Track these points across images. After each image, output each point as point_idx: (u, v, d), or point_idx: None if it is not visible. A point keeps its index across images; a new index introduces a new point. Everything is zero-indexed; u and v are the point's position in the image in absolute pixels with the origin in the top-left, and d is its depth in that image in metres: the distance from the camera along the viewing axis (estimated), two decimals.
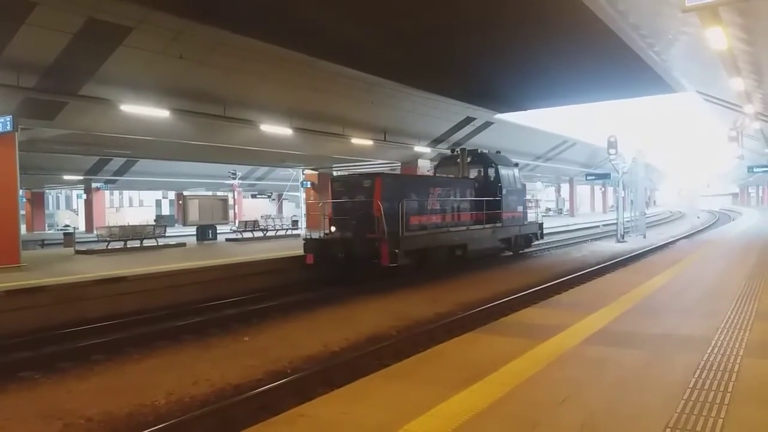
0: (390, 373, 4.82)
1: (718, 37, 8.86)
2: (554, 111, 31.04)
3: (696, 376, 4.29)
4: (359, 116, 21.10)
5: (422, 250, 14.79)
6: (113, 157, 29.47)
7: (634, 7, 12.83)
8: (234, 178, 37.14)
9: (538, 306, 8.00)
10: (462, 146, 19.74)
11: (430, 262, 15.30)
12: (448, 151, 22.59)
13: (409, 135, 24.30)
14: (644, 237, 27.94)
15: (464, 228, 16.79)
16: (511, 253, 20.04)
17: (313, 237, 14.79)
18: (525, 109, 26.43)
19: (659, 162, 74.30)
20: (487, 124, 26.80)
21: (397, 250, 13.38)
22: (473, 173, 18.66)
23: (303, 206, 33.23)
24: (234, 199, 38.83)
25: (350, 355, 7.73)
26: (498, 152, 19.73)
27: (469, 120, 25.59)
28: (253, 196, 47.40)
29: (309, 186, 31.29)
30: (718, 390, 3.97)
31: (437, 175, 18.46)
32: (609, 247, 23.80)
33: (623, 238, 26.20)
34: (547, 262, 19.17)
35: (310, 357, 7.97)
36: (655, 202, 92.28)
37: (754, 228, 25.04)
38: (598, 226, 34.55)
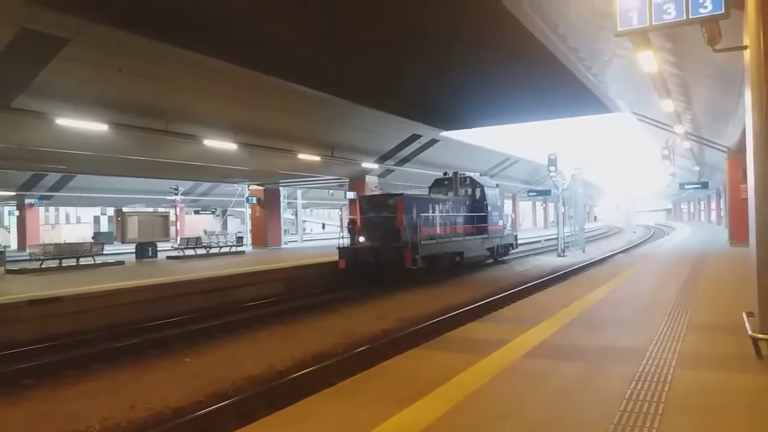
0: (335, 391, 4.78)
1: (649, 61, 9.30)
2: (497, 129, 31.84)
3: (632, 387, 4.44)
4: (306, 132, 21.04)
5: (433, 256, 17.77)
6: (48, 172, 28.29)
7: (573, 31, 13.35)
8: (176, 194, 36.28)
9: (482, 320, 8.12)
10: (454, 171, 22.58)
11: (438, 266, 18.26)
12: (395, 167, 24.92)
13: (357, 151, 24.39)
14: (583, 251, 28.85)
15: (461, 238, 20.10)
16: (492, 261, 23.24)
17: (346, 246, 17.63)
18: (469, 127, 26.99)
19: (598, 179, 77.02)
20: (432, 142, 27.21)
21: (417, 256, 16.37)
22: (462, 193, 21.98)
23: (248, 222, 32.72)
24: (176, 216, 37.89)
25: (295, 374, 7.62)
26: (482, 175, 23.52)
27: (415, 137, 25.92)
28: (197, 212, 46.35)
29: (255, 202, 30.87)
30: (652, 400, 4.12)
31: (433, 195, 21.28)
32: (550, 261, 24.44)
33: (564, 252, 26.98)
34: (492, 276, 19.50)
35: (254, 377, 7.82)
36: (595, 217, 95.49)
37: (686, 242, 26.25)
38: (539, 241, 35.45)
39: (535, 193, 34.73)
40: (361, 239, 17.51)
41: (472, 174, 23.08)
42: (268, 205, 30.88)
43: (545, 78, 17.61)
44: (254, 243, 30.89)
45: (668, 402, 4.09)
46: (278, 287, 15.97)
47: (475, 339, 6.51)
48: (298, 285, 16.36)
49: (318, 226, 72.21)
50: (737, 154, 20.31)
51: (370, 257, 16.62)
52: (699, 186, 33.44)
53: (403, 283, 17.06)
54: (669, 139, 25.46)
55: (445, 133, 26.86)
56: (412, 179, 32.39)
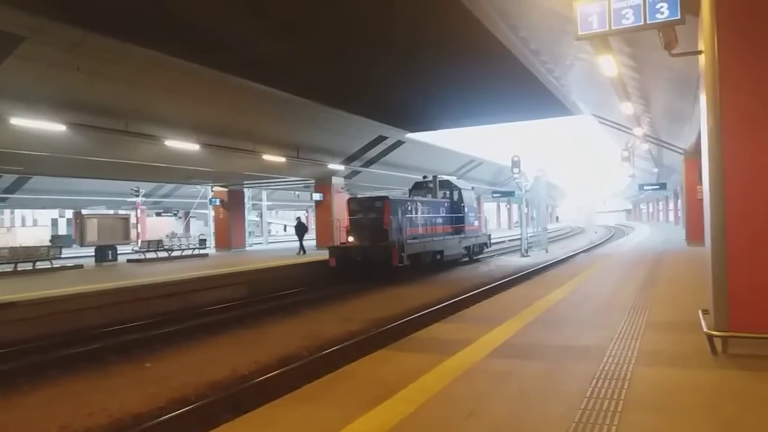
0: (299, 395, 4.73)
1: (609, 65, 9.49)
2: (463, 131, 32.10)
3: (592, 385, 4.51)
4: (271, 132, 20.82)
5: (417, 254, 19.02)
6: (3, 173, 27.34)
7: (535, 34, 13.54)
8: (137, 196, 35.52)
9: (447, 321, 8.15)
10: (433, 174, 23.91)
11: (421, 264, 19.58)
12: (362, 169, 25.59)
13: (323, 152, 24.24)
14: (546, 251, 29.32)
15: (441, 238, 21.51)
16: (468, 259, 24.52)
17: (337, 246, 19.04)
18: (435, 129, 27.14)
19: (560, 180, 78.40)
20: (398, 143, 27.25)
21: (403, 254, 17.65)
22: (441, 195, 23.36)
23: (212, 224, 32.23)
24: (137, 218, 37.09)
25: (259, 378, 7.52)
26: (458, 178, 25.59)
27: (381, 138, 25.90)
28: (158, 214, 45.45)
29: (218, 203, 30.42)
30: (612, 398, 4.19)
31: (416, 197, 22.30)
32: (514, 261, 24.77)
33: (527, 252, 27.36)
34: (457, 276, 19.65)
35: (216, 382, 7.69)
36: (557, 218, 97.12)
37: (645, 242, 26.91)
38: (504, 242, 35.88)
39: (499, 194, 35.05)
40: (350, 239, 18.72)
41: (450, 177, 24.76)
42: (232, 206, 30.48)
43: (508, 81, 17.84)
44: (218, 245, 30.45)
45: (627, 399, 4.16)
46: (241, 291, 15.77)
47: (441, 339, 6.53)
48: (262, 288, 16.18)
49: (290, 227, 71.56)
50: (693, 155, 20.92)
51: (359, 256, 17.76)
52: (657, 187, 34.24)
53: (370, 284, 17.24)
54: (629, 141, 26.09)
55: (411, 135, 26.94)
56: (379, 181, 32.39)
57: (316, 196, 27.36)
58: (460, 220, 23.44)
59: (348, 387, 4.83)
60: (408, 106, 22.24)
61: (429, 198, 22.62)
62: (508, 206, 71.55)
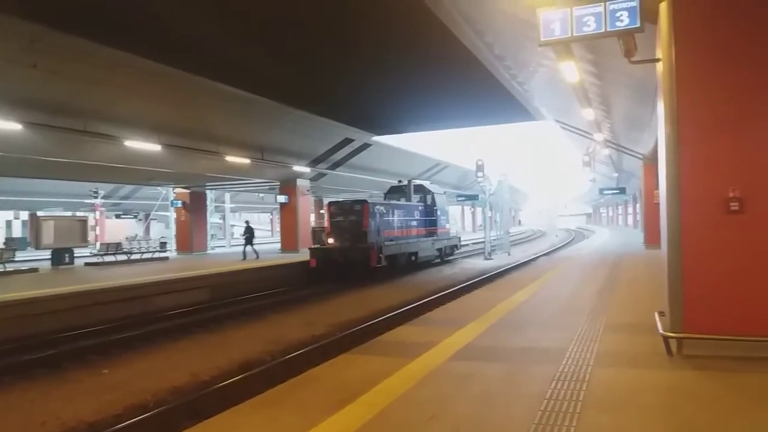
0: (261, 400, 4.67)
1: (571, 71, 9.66)
2: (429, 135, 32.30)
3: (552, 387, 4.57)
4: (235, 133, 20.56)
5: (394, 255, 20.03)
6: None
7: (500, 40, 13.72)
8: (95, 197, 34.62)
9: (412, 324, 8.16)
10: (408, 178, 25.22)
11: (397, 264, 20.56)
12: (328, 171, 25.96)
13: (288, 154, 24.05)
14: (509, 254, 29.66)
15: (416, 240, 22.60)
16: (440, 260, 25.41)
17: (318, 247, 20.05)
18: (400, 132, 27.24)
19: (523, 184, 79.61)
20: (365, 146, 27.24)
21: (381, 255, 18.51)
22: (415, 199, 24.41)
23: (173, 227, 31.62)
24: (95, 220, 36.15)
25: (220, 383, 7.39)
26: (431, 183, 26.66)
27: (348, 141, 25.85)
28: (118, 216, 44.37)
29: (180, 205, 29.83)
30: (571, 399, 4.25)
31: (393, 201, 23.25)
32: (477, 264, 25.00)
33: (490, 255, 27.65)
34: (421, 279, 19.72)
35: (176, 388, 7.53)
36: (519, 221, 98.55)
37: (605, 245, 27.50)
38: (467, 244, 36.18)
39: (463, 198, 35.38)
40: (331, 241, 19.53)
41: (423, 182, 26.14)
42: (194, 208, 29.94)
43: (473, 85, 18.04)
44: (179, 248, 29.88)
45: (586, 400, 4.23)
46: (203, 295, 15.52)
47: (405, 342, 6.53)
48: (224, 292, 15.95)
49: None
50: (652, 161, 21.48)
51: (339, 257, 18.57)
52: (617, 191, 35.10)
53: (335, 288, 17.30)
54: (590, 146, 26.61)
55: (377, 138, 26.97)
56: (346, 183, 32.31)
57: (281, 199, 27.10)
58: (433, 223, 24.53)
59: (311, 391, 4.79)
60: (374, 109, 22.29)
61: (404, 202, 23.58)
62: (472, 210, 72.23)
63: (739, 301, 5.12)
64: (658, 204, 5.76)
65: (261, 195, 39.29)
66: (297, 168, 24.74)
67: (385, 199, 24.31)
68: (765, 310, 5.05)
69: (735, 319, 5.12)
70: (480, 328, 7.12)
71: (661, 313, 5.80)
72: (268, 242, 42.49)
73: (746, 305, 5.09)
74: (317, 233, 33.90)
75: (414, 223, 23.05)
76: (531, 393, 4.45)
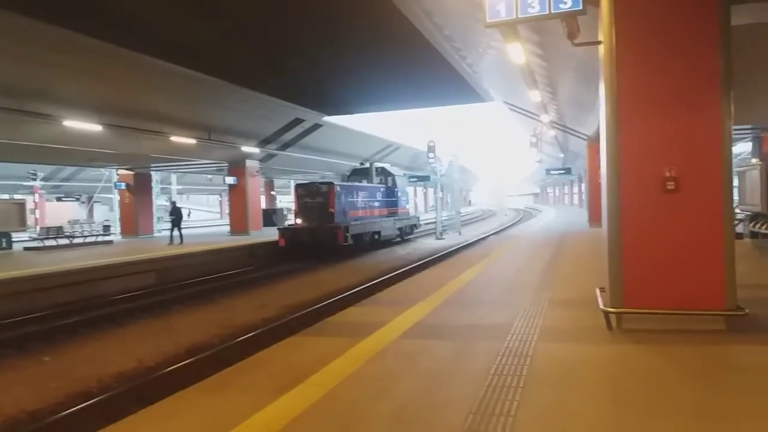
0: (207, 385, 4.60)
1: (517, 53, 9.77)
2: (381, 116, 32.25)
3: (497, 362, 4.68)
4: (181, 113, 19.96)
5: (359, 234, 21.29)
6: None
7: (449, 21, 13.73)
8: (34, 180, 33.15)
9: (362, 304, 8.19)
10: (369, 161, 26.65)
11: (362, 242, 21.88)
12: (278, 152, 26.03)
13: (237, 134, 23.54)
14: (460, 234, 30.12)
15: (379, 220, 24.05)
16: (400, 239, 26.86)
17: (286, 227, 21.58)
18: (352, 113, 27.04)
19: (473, 165, 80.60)
20: (316, 126, 26.92)
21: (347, 234, 19.72)
22: (377, 180, 25.98)
23: (117, 209, 30.63)
24: (35, 203, 34.66)
25: (166, 369, 7.26)
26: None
27: (298, 121, 25.48)
28: (59, 199, 42.67)
29: (123, 187, 28.86)
30: (514, 374, 4.36)
31: (357, 183, 24.62)
32: (429, 244, 25.31)
33: (441, 235, 28.03)
34: (374, 260, 19.83)
35: (121, 374, 7.36)
36: (470, 202, 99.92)
37: (551, 224, 28.21)
38: (420, 225, 36.51)
39: (415, 179, 35.56)
40: (299, 221, 20.71)
41: (384, 164, 27.74)
42: (139, 190, 29.03)
43: (423, 66, 18.04)
44: (123, 232, 28.99)
45: (529, 375, 4.35)
46: (150, 279, 15.15)
47: (355, 323, 6.55)
48: (172, 276, 15.62)
49: (198, 212, 69.28)
50: (596, 142, 22.07)
51: (307, 236, 19.64)
52: (563, 171, 35.92)
53: (287, 270, 17.34)
54: (537, 127, 27.14)
55: (328, 118, 26.69)
56: (297, 165, 31.92)
57: (230, 180, 26.59)
58: (395, 204, 26.16)
59: (259, 374, 4.75)
60: (325, 89, 22.06)
61: (367, 183, 25.06)
62: (424, 190, 72.72)
63: (675, 277, 5.33)
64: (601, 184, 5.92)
65: (209, 176, 38.49)
66: (246, 149, 24.27)
67: (348, 181, 25.61)
68: (698, 285, 5.27)
69: (671, 295, 5.34)
70: (429, 306, 7.21)
71: (602, 289, 6.00)
72: (219, 225, 41.73)
73: (682, 281, 5.30)
74: (271, 215, 33.65)
75: (377, 203, 24.51)
76: (477, 369, 4.54)
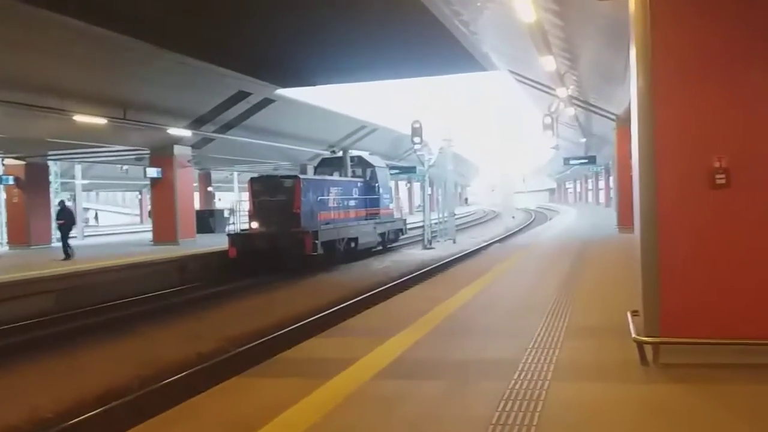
0: None
1: (526, 7, 9.86)
2: (353, 89, 32.23)
3: (500, 408, 4.69)
4: (88, 84, 19.75)
5: (332, 241, 21.50)
6: None
7: None
8: None
9: (327, 335, 8.17)
10: (342, 148, 27.29)
11: (335, 252, 22.01)
12: (216, 135, 26.31)
13: (162, 112, 23.35)
14: (454, 242, 30.28)
15: (356, 223, 24.38)
16: (382, 248, 27.25)
17: (239, 232, 21.28)
18: (314, 85, 27.03)
19: (472, 153, 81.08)
20: (266, 102, 26.85)
21: (317, 242, 19.73)
22: (352, 174, 26.20)
23: (3, 212, 30.12)
24: None
25: (68, 422, 7.18)
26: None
27: (243, 95, 25.37)
28: None
29: (11, 183, 28.34)
30: (522, 423, 4.37)
31: (328, 176, 24.92)
32: (414, 255, 25.42)
33: (430, 244, 28.13)
34: (343, 277, 19.82)
35: (11, 428, 7.25)
36: (467, 200, 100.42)
37: (571, 228, 28.51)
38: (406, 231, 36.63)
39: (397, 170, 35.66)
40: (254, 225, 20.84)
41: (362, 153, 28.12)
42: (32, 187, 28.52)
43: (405, 25, 18.06)
44: (11, 241, 28.52)
45: (541, 424, 4.36)
46: (49, 303, 14.97)
47: (317, 359, 6.54)
48: (81, 299, 15.45)
49: (112, 215, 68.76)
50: (626, 123, 22.32)
51: (265, 244, 19.73)
52: (585, 161, 36.35)
53: (231, 291, 17.36)
54: (552, 104, 27.38)
55: (283, 92, 26.64)
56: (242, 152, 31.76)
57: (152, 172, 26.33)
58: (375, 203, 26.53)
59: (188, 429, 4.71)
60: (279, 54, 21.93)
61: (341, 177, 25.52)
62: (408, 185, 72.89)
63: (729, 297, 5.29)
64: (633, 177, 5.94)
65: (125, 167, 38.10)
66: (174, 131, 24.09)
67: (316, 173, 26.26)
68: (759, 306, 5.25)
69: (724, 320, 5.30)
70: (414, 336, 7.22)
71: (635, 313, 6.05)
72: (139, 231, 41.41)
73: (737, 302, 5.27)
74: (207, 218, 33.46)
75: (353, 203, 24.97)
76: (473, 417, 4.55)
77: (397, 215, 30.22)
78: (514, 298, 9.91)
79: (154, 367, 9.74)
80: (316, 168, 27.26)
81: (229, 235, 20.84)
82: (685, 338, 5.47)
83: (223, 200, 53.27)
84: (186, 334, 12.13)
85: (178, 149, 26.28)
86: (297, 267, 19.92)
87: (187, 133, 24.99)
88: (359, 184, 26.08)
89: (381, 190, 27.11)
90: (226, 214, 36.70)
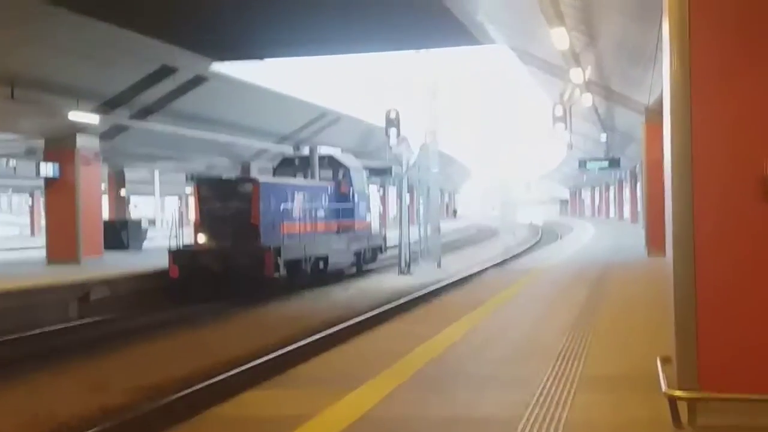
0: None
1: None
2: (310, 65, 32.33)
3: None
4: None
5: (297, 260, 22.05)
6: None
7: None
8: None
9: (271, 385, 8.12)
10: (307, 145, 27.53)
11: (300, 275, 22.59)
12: (132, 123, 26.59)
13: (60, 91, 23.12)
14: (438, 266, 30.26)
15: (326, 238, 25.18)
16: (355, 271, 28.08)
17: (182, 248, 21.47)
18: (260, 58, 27.07)
19: (462, 152, 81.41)
20: (198, 80, 26.79)
21: (279, 260, 20.27)
22: (321, 176, 26.78)
23: None
24: None
25: None
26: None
27: (167, 71, 25.26)
28: None
29: None
30: None
31: (290, 180, 25.32)
32: (387, 282, 25.43)
33: (408, 268, 28.06)
34: (295, 310, 19.76)
35: None
36: (455, 212, 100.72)
37: (587, 250, 28.69)
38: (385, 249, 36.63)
39: (368, 172, 35.64)
40: (202, 239, 21.30)
41: (333, 151, 28.47)
42: None
43: None
44: None
45: None
46: None
47: (256, 418, 6.49)
48: None
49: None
50: (658, 116, 22.49)
51: (215, 263, 20.12)
52: (606, 164, 36.41)
53: (149, 326, 17.22)
54: (564, 90, 27.58)
55: (219, 67, 26.60)
56: (166, 144, 31.60)
57: (47, 170, 26.06)
58: (349, 214, 27.27)
59: None
60: (215, 18, 21.79)
61: (307, 181, 26.08)
62: (380, 190, 72.75)
63: None
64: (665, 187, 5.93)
65: (11, 163, 37.75)
66: (76, 116, 23.87)
67: (274, 175, 26.86)
68: None
69: None
70: (384, 388, 7.19)
71: (666, 360, 6.09)
72: (28, 247, 41.01)
73: None
74: (119, 230, 33.21)
75: (322, 213, 25.69)
76: None
77: (375, 230, 31.26)
78: (515, 337, 9.93)
79: (44, 426, 9.64)
80: (275, 169, 27.60)
81: (170, 251, 21.01)
82: (729, 393, 5.48)
83: (139, 207, 52.96)
84: (87, 382, 11.99)
85: (81, 140, 26.04)
86: (254, 292, 20.17)
87: (94, 118, 24.76)
88: (330, 190, 26.65)
89: (356, 198, 27.62)
90: (144, 225, 36.52)
